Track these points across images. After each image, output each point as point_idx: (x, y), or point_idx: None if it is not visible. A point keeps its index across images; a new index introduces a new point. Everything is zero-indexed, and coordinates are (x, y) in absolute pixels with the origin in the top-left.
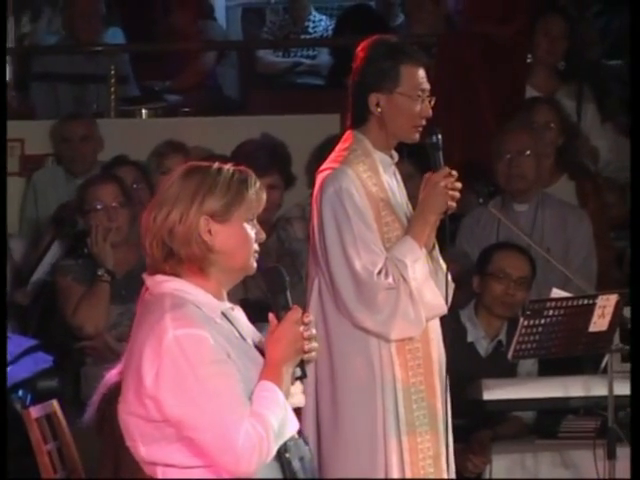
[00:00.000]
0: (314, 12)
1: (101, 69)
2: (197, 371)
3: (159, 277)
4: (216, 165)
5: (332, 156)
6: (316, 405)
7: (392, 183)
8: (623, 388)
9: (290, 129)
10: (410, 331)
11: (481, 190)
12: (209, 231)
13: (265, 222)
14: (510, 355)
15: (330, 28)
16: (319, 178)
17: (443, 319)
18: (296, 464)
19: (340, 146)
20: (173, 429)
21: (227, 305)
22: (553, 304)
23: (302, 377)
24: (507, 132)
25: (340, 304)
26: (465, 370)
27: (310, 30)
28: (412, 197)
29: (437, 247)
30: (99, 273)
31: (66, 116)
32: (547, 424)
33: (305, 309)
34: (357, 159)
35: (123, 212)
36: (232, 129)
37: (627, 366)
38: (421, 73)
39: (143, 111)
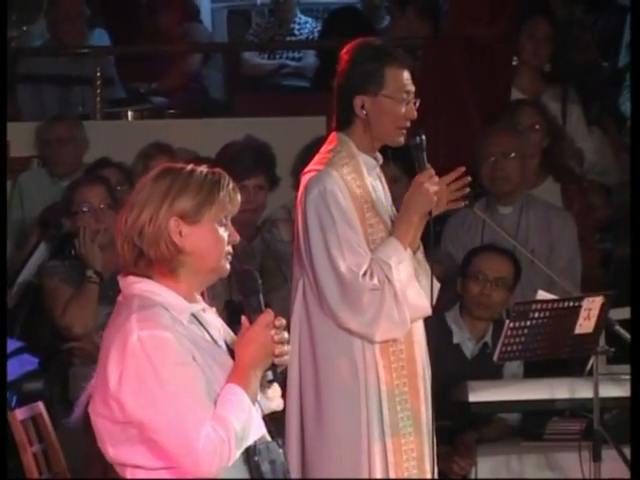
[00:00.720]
0: (300, 14)
1: (87, 71)
2: (159, 372)
3: (130, 278)
4: (189, 167)
5: (316, 158)
6: (300, 406)
7: (376, 185)
8: (608, 390)
9: (275, 131)
10: (395, 332)
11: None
12: (179, 232)
13: (251, 224)
14: (496, 357)
15: (316, 30)
16: (303, 180)
17: (428, 321)
18: (265, 467)
19: (324, 148)
20: (136, 430)
21: (198, 307)
22: (538, 306)
23: (274, 381)
24: (491, 134)
25: (324, 305)
26: (451, 372)
27: (296, 32)
28: (398, 200)
29: (422, 248)
30: (88, 274)
31: (51, 118)
32: (532, 426)
33: (290, 310)
34: (341, 161)
35: (110, 213)
36: (217, 131)
37: (613, 368)
38: (406, 75)
39: (129, 113)
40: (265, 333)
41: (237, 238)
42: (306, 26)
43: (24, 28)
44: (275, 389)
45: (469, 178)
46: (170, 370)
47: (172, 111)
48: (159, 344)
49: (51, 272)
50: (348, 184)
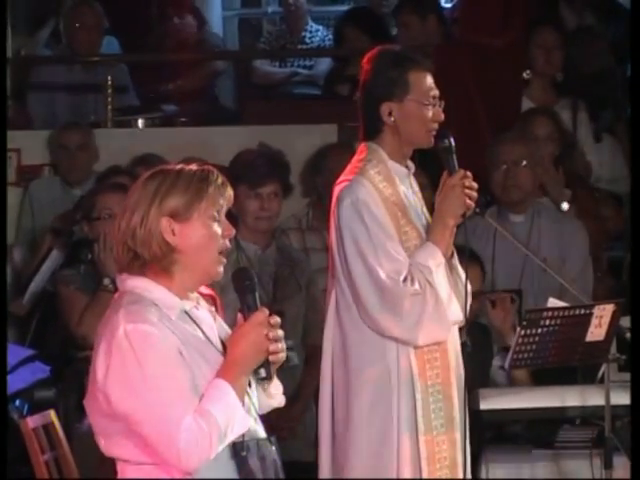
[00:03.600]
0: (311, 22)
1: (99, 79)
2: (142, 365)
3: (124, 276)
4: (178, 166)
5: (348, 168)
6: (332, 413)
7: (408, 193)
8: (620, 398)
9: (286, 139)
10: (438, 335)
11: (478, 200)
12: (172, 231)
13: (266, 231)
14: (507, 365)
15: (327, 38)
16: (336, 190)
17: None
18: (254, 464)
19: (355, 158)
20: (122, 424)
21: (190, 304)
22: (550, 314)
23: (266, 379)
24: (503, 142)
25: (365, 315)
26: None
27: (307, 40)
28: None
29: (455, 255)
30: (105, 283)
31: (64, 125)
32: (544, 434)
33: (323, 321)
34: (373, 169)
35: None
36: (228, 139)
37: (624, 376)
38: (429, 78)
39: (139, 121)
40: (257, 331)
41: (232, 231)
42: (317, 34)
43: (40, 33)
44: (276, 386)
45: (475, 185)
46: (154, 363)
47: (183, 119)
48: (144, 338)
49: (66, 280)
50: (380, 192)
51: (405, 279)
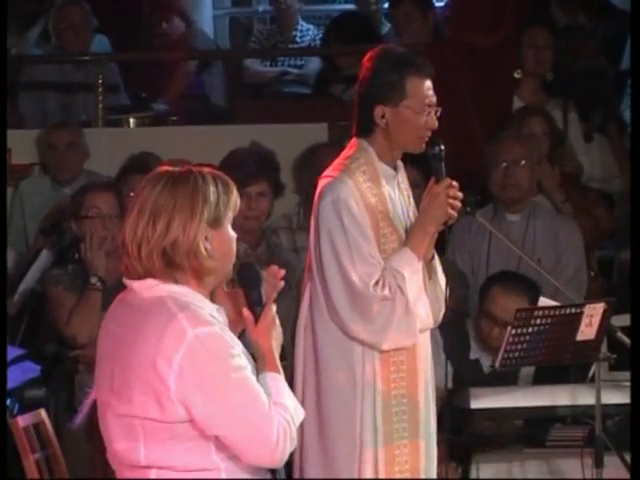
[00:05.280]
0: (301, 22)
1: (90, 78)
2: (222, 367)
3: (150, 281)
4: (196, 171)
5: (335, 163)
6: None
7: (394, 195)
8: (611, 397)
9: (277, 138)
10: (403, 342)
11: (468, 199)
12: (205, 238)
13: (253, 231)
14: (497, 364)
15: (317, 37)
16: (319, 185)
17: (449, 333)
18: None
19: (344, 153)
20: (184, 429)
21: (215, 307)
22: (540, 313)
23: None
24: (503, 141)
25: (334, 314)
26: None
27: (297, 39)
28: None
29: (437, 258)
30: (92, 281)
31: (53, 124)
32: (535, 432)
33: (294, 316)
34: (358, 168)
35: (118, 222)
36: (219, 138)
37: (615, 375)
38: (427, 85)
39: (130, 120)
40: (276, 322)
41: (234, 236)
42: (308, 33)
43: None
44: None
45: (460, 195)
46: (230, 363)
47: (174, 118)
48: (215, 339)
49: (55, 281)
50: (363, 192)
51: (376, 283)
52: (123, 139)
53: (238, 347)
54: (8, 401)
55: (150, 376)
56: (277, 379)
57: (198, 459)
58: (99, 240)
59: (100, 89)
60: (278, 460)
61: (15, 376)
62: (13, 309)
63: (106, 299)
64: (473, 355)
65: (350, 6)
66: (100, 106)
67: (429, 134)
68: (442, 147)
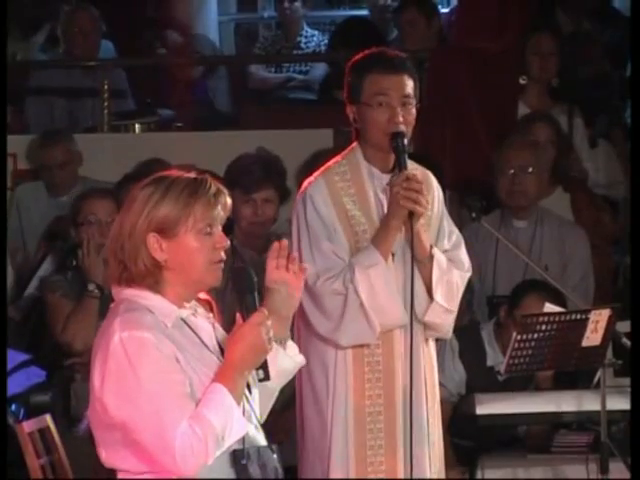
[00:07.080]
0: (306, 28)
1: (97, 84)
2: (137, 372)
3: (119, 287)
4: (173, 176)
5: (324, 165)
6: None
7: (381, 195)
8: (616, 403)
9: (282, 144)
10: (363, 338)
11: (473, 205)
12: (160, 247)
13: (259, 236)
14: (503, 370)
15: (322, 43)
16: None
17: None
18: (255, 471)
19: (338, 154)
20: (120, 434)
21: (186, 312)
22: (546, 319)
23: (264, 379)
24: (511, 148)
25: (299, 310)
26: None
27: (302, 45)
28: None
29: (436, 250)
30: (89, 288)
31: (42, 138)
32: (540, 438)
33: None
34: (337, 169)
35: None
36: (224, 144)
37: (620, 381)
38: (387, 80)
39: (136, 126)
40: (256, 332)
41: (226, 242)
42: (313, 39)
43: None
44: (292, 347)
45: (417, 187)
46: (148, 369)
47: (179, 124)
48: (138, 344)
49: (52, 287)
50: (335, 192)
51: (331, 277)
52: (128, 145)
53: (180, 354)
54: (13, 406)
55: (91, 379)
56: (217, 391)
57: (144, 462)
58: (96, 247)
59: (106, 94)
60: (181, 471)
61: (20, 381)
62: (18, 314)
63: (104, 306)
64: (490, 362)
65: (355, 12)
66: (106, 111)
67: (399, 129)
68: (404, 141)
